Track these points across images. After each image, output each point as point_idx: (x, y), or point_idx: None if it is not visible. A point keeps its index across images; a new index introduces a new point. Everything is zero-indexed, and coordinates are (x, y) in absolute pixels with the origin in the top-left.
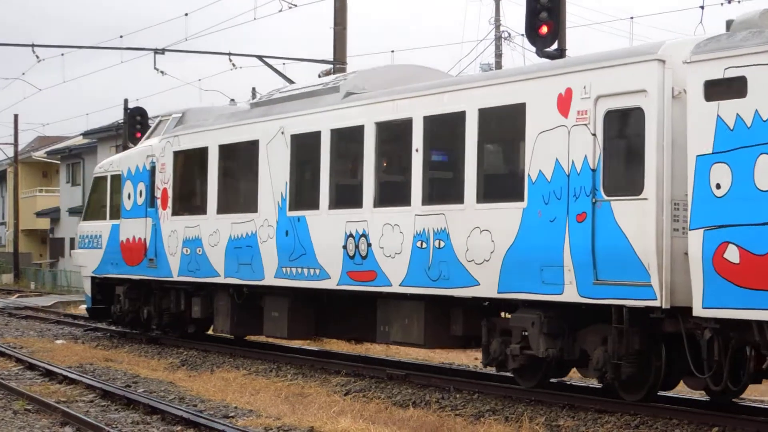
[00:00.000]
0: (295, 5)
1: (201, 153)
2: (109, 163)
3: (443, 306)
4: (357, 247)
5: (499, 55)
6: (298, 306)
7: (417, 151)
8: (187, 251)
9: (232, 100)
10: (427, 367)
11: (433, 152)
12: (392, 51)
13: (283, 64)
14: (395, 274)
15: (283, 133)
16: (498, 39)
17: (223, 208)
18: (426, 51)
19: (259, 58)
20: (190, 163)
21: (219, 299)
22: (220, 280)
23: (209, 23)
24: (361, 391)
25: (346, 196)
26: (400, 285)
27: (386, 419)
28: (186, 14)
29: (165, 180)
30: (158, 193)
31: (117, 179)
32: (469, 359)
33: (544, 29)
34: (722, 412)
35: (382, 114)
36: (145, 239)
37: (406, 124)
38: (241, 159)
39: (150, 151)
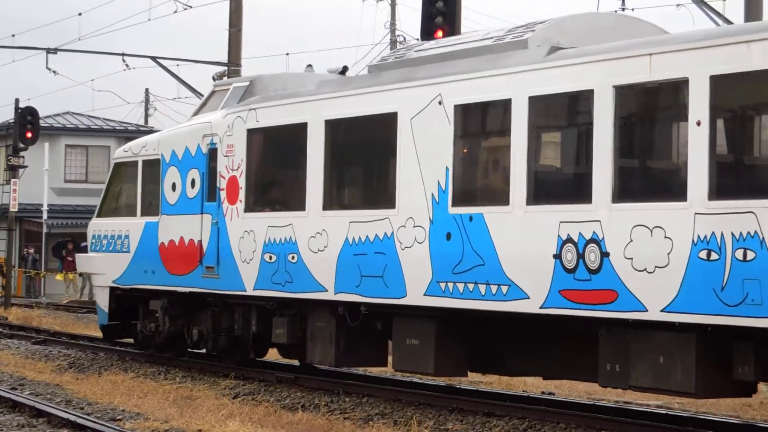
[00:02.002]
0: (190, 6)
1: (295, 131)
2: (141, 145)
3: (726, 340)
4: (582, 256)
5: None
6: (449, 333)
7: (699, 124)
8: (270, 258)
9: (309, 65)
10: (316, 370)
11: (727, 124)
12: (287, 54)
13: (177, 65)
14: (654, 296)
15: (441, 102)
16: (393, 43)
17: (335, 202)
18: (321, 54)
19: (153, 59)
20: (277, 143)
21: (317, 320)
22: (327, 296)
23: (103, 23)
24: (250, 394)
25: (560, 186)
26: (662, 311)
27: (275, 422)
28: (80, 14)
29: (233, 166)
30: (222, 183)
31: (153, 165)
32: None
33: (440, 34)
34: (612, 415)
35: (627, 73)
36: (200, 241)
37: (675, 87)
38: (363, 137)
39: (207, 129)
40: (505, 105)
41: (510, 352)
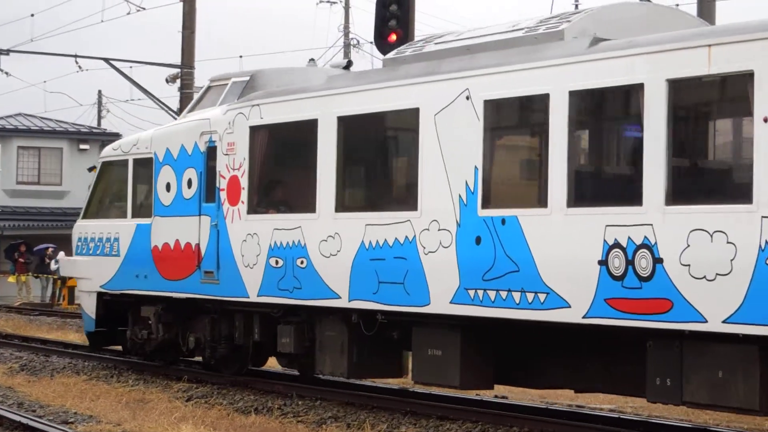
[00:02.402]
0: (143, 8)
1: (303, 128)
2: (131, 143)
3: None
4: (631, 263)
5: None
6: (475, 343)
7: (766, 120)
8: (276, 263)
9: (312, 59)
10: (269, 373)
11: None
12: (240, 56)
13: (130, 67)
14: (715, 306)
15: (468, 97)
16: (347, 46)
17: (348, 204)
18: (275, 57)
19: (106, 60)
20: (282, 141)
21: (327, 329)
22: (340, 303)
23: (56, 24)
24: (203, 397)
25: (605, 187)
26: (724, 322)
27: (228, 426)
28: (32, 15)
29: (235, 165)
30: (222, 183)
31: (145, 165)
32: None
33: (393, 37)
34: (566, 419)
35: (683, 66)
36: (197, 245)
37: (738, 81)
38: (380, 135)
39: (206, 127)
40: (542, 100)
41: (540, 364)
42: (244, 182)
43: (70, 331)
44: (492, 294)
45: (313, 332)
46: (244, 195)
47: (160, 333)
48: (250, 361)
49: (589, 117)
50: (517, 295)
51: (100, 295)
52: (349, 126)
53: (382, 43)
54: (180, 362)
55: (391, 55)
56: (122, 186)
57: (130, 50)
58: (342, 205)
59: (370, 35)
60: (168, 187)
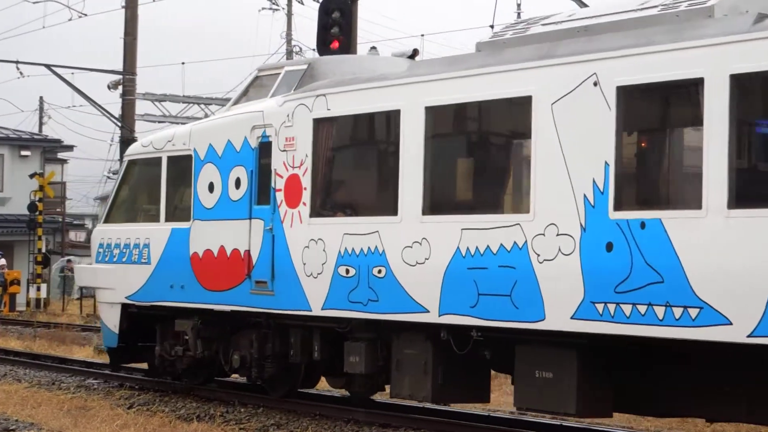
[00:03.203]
0: (85, 14)
1: (383, 120)
2: (165, 138)
3: None
4: None
5: None
6: (593, 364)
7: None
8: (347, 272)
9: (374, 47)
10: (215, 381)
11: None
12: (183, 63)
13: (72, 73)
14: None
15: (596, 83)
16: (289, 53)
17: (440, 205)
18: (217, 63)
19: (47, 66)
20: (355, 135)
21: (406, 346)
22: (427, 318)
23: None
24: (145, 404)
25: None
26: None
27: None
28: None
29: (295, 162)
30: (278, 183)
31: (183, 163)
32: None
33: (336, 44)
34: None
35: None
36: (247, 252)
37: None
38: (480, 126)
39: (258, 120)
40: (693, 85)
41: (665, 387)
42: (306, 182)
43: (11, 338)
44: (627, 308)
45: (388, 350)
46: (306, 196)
47: (199, 350)
48: (300, 382)
49: (755, 104)
50: (660, 310)
51: (125, 307)
52: (440, 117)
53: (324, 50)
54: (214, 382)
55: (486, 38)
56: (154, 186)
57: (71, 56)
58: (431, 207)
59: (313, 42)
60: (211, 187)
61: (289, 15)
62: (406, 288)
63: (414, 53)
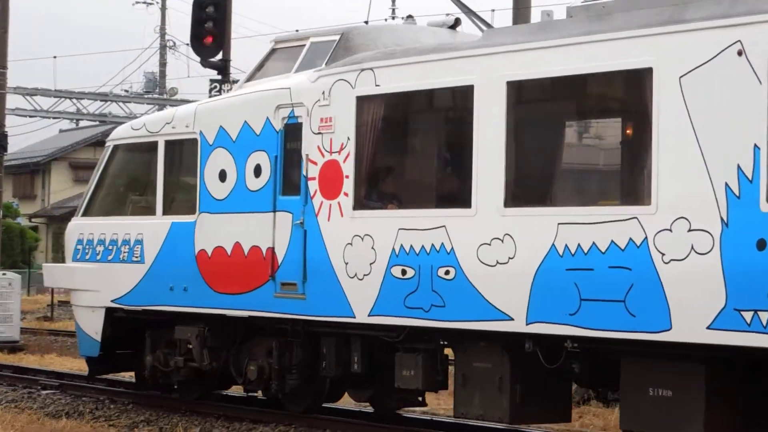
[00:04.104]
0: None
1: (450, 97)
2: (161, 120)
3: None
4: None
5: (163, 64)
6: (722, 381)
7: None
8: (404, 273)
9: (410, 16)
10: (81, 377)
11: None
12: (54, 57)
13: None
14: None
15: (741, 53)
16: (163, 48)
17: (528, 195)
18: (89, 57)
19: None
20: (412, 114)
21: (477, 359)
22: (512, 327)
23: None
24: (12, 401)
25: None
26: None
27: (38, 430)
28: None
29: (333, 147)
30: (311, 170)
31: (185, 147)
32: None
33: (209, 39)
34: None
35: None
36: (270, 249)
37: None
38: (577, 104)
39: (284, 98)
40: None
41: None
42: (347, 168)
43: None
44: None
45: (443, 362)
46: (348, 185)
47: (206, 361)
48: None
49: None
50: None
51: (109, 311)
52: (527, 93)
53: (198, 45)
54: (212, 396)
55: (582, 2)
56: (147, 174)
57: None
58: (516, 198)
59: (186, 37)
60: (222, 175)
61: (164, 9)
62: (482, 292)
63: (456, 23)
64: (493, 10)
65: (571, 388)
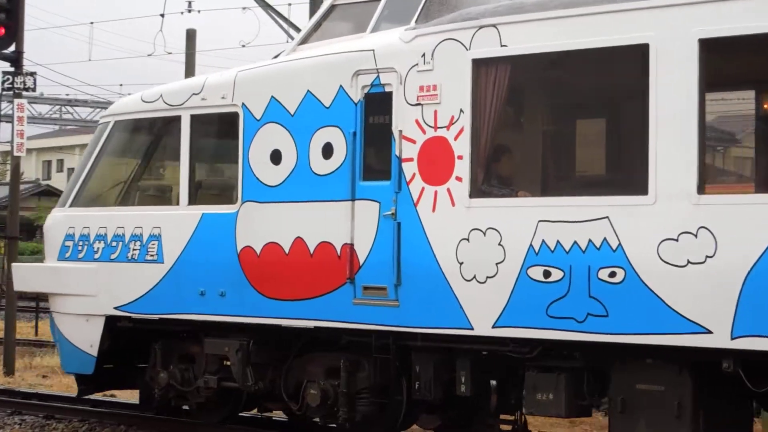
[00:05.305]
0: None
1: (609, 58)
2: (186, 90)
3: None
4: None
5: None
6: None
7: None
8: (547, 275)
9: None
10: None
11: None
12: None
13: None
14: None
15: None
16: None
17: (731, 178)
18: None
19: None
20: (555, 80)
21: (643, 380)
22: (709, 341)
23: None
24: None
25: None
26: None
27: None
28: None
29: (440, 121)
30: (408, 150)
31: (220, 123)
32: None
33: (2, 31)
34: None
35: None
36: (347, 246)
37: None
38: None
39: (365, 62)
40: None
41: None
42: (460, 147)
43: None
44: None
45: (598, 383)
46: (461, 168)
47: (250, 380)
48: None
49: None
50: None
51: (110, 320)
52: (726, 53)
53: None
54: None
55: None
56: (165, 156)
57: None
58: (713, 182)
59: None
60: (276, 157)
61: None
62: (665, 298)
63: None
64: None
65: (752, 410)
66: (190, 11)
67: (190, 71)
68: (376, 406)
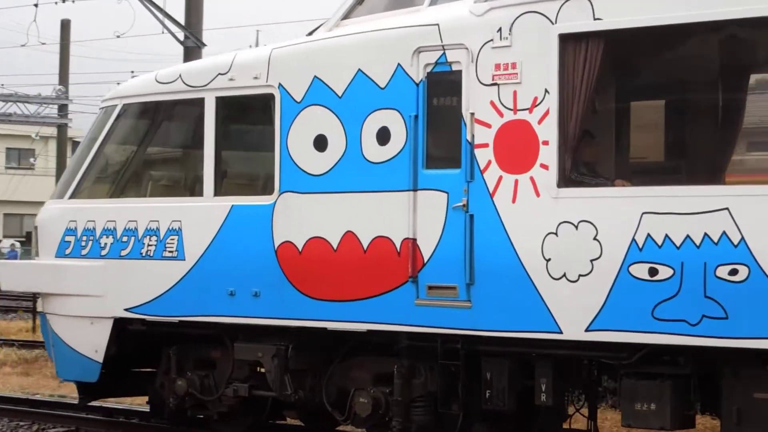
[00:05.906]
0: None
1: (732, 33)
2: (210, 69)
3: None
4: None
5: None
6: None
7: None
8: (653, 272)
9: None
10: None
11: None
12: None
13: None
14: None
15: None
16: None
17: None
18: None
19: None
20: (658, 59)
21: (763, 389)
22: None
23: None
24: None
25: None
26: None
27: None
28: None
29: (520, 102)
30: (480, 135)
31: (255, 106)
32: None
33: None
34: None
35: None
36: (408, 240)
37: None
38: None
39: (429, 38)
40: None
41: None
42: (546, 132)
43: None
44: None
45: (706, 392)
46: (547, 154)
47: (288, 389)
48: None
49: None
50: None
51: (119, 323)
52: None
53: None
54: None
55: None
56: (184, 142)
57: None
58: None
59: None
60: (321, 143)
61: None
62: None
63: None
64: None
65: None
66: (64, 1)
67: (64, 62)
68: (433, 415)
